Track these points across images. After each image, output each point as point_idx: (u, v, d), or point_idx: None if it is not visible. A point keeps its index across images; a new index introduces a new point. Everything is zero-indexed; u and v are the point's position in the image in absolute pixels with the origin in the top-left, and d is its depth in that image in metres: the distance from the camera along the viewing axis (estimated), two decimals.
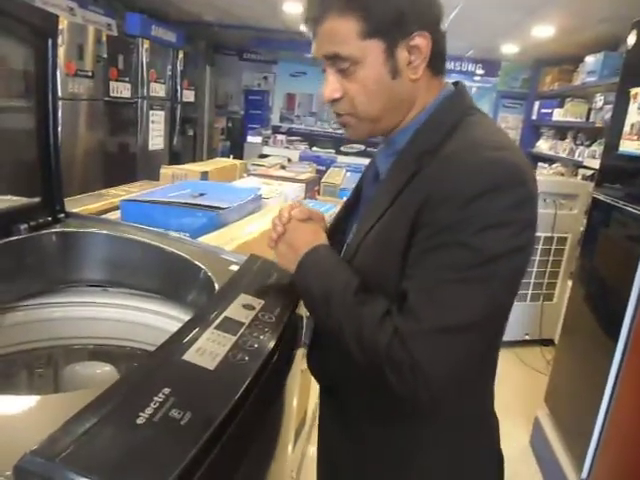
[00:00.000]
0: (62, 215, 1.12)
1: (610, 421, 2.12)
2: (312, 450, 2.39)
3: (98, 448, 0.45)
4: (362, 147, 7.90)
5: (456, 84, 0.84)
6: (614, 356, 2.12)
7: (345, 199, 0.87)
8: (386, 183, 0.81)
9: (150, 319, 1.04)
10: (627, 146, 2.21)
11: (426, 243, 0.69)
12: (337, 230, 0.91)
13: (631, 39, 2.31)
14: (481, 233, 0.67)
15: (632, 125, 2.18)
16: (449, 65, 6.89)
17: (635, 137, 2.14)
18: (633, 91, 2.19)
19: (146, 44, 4.46)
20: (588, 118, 4.25)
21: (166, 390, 0.54)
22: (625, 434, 2.03)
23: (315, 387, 2.51)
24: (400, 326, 0.67)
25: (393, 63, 0.74)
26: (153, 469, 0.44)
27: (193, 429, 0.50)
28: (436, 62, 0.78)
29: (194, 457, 0.47)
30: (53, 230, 1.07)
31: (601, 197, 2.38)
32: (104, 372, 1.04)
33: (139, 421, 0.49)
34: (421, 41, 0.74)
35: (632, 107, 2.19)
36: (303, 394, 2.19)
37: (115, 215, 1.59)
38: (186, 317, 0.81)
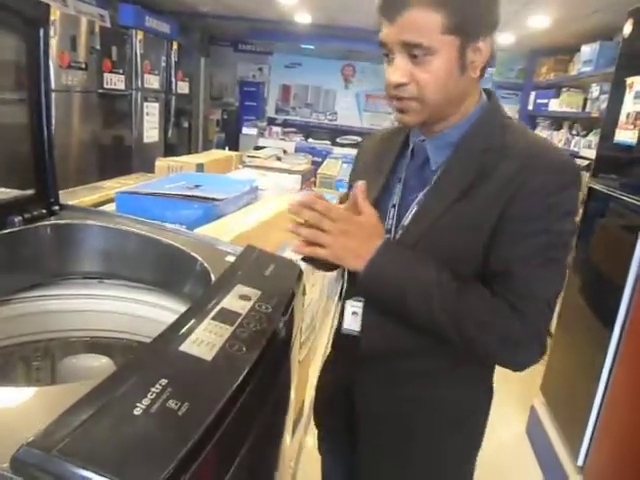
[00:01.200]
0: (57, 207, 1.12)
1: (605, 409, 2.14)
2: (310, 441, 2.40)
3: (95, 439, 0.45)
4: (358, 138, 7.89)
5: (486, 90, 0.95)
6: (609, 346, 2.13)
7: (361, 183, 0.87)
8: (450, 174, 0.89)
9: (146, 311, 1.04)
10: (623, 135, 2.21)
11: (525, 228, 0.82)
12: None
13: (627, 28, 2.30)
14: (563, 220, 0.83)
15: (628, 114, 2.18)
16: None
17: (631, 126, 2.14)
18: (629, 80, 2.19)
19: (140, 35, 4.42)
20: (584, 108, 4.25)
21: (163, 381, 0.53)
22: (620, 422, 2.05)
23: (312, 380, 2.50)
24: (517, 304, 0.80)
25: (462, 60, 0.83)
26: (151, 459, 0.44)
27: (191, 419, 0.49)
28: (485, 66, 0.87)
29: (192, 447, 0.47)
30: (48, 222, 1.06)
31: (597, 187, 2.39)
32: (101, 364, 1.04)
33: (136, 412, 0.48)
34: (484, 45, 0.84)
35: (628, 96, 2.19)
36: (300, 385, 2.20)
37: (111, 208, 1.58)
38: (182, 309, 0.81)
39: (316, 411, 1.17)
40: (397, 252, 0.86)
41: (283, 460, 1.09)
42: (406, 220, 0.92)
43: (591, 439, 2.21)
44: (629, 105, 2.18)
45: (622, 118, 2.23)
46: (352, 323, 0.96)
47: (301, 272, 0.99)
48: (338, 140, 7.69)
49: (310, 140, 7.41)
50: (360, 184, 0.86)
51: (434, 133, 0.91)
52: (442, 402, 0.96)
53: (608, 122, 2.42)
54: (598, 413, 2.18)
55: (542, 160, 0.83)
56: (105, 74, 3.97)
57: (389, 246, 0.85)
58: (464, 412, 0.98)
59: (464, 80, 0.85)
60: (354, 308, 0.97)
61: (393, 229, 0.93)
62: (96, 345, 1.09)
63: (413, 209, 0.91)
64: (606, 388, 2.15)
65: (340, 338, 1.01)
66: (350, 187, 1.10)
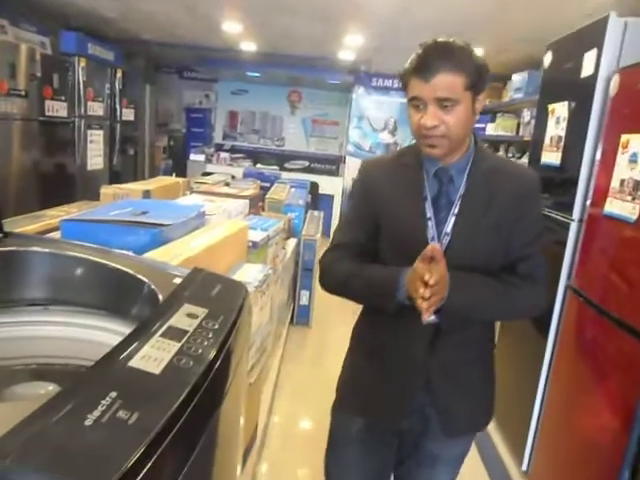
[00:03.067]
0: (0, 235, 1.11)
1: (544, 416, 2.25)
2: (264, 468, 2.39)
3: (49, 447, 0.47)
4: (306, 163, 8.01)
5: None
6: (544, 355, 2.26)
7: (437, 246, 1.14)
8: (472, 191, 1.22)
9: (94, 335, 1.04)
10: (548, 157, 2.39)
11: (529, 222, 1.24)
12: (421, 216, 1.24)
13: (546, 59, 2.50)
14: (541, 212, 1.35)
15: (551, 138, 2.35)
16: (388, 83, 7.15)
17: (554, 148, 2.32)
18: (550, 107, 2.37)
19: (82, 62, 4.39)
20: (518, 132, 4.50)
21: (113, 394, 0.56)
22: (558, 428, 2.16)
23: (265, 403, 2.49)
24: (537, 277, 1.25)
25: (473, 108, 1.15)
26: (103, 463, 0.47)
27: (141, 427, 0.52)
28: None
29: (143, 452, 0.49)
30: None
31: None
32: (48, 392, 1.03)
33: (87, 422, 0.51)
34: (482, 97, 1.17)
35: (550, 121, 2.37)
36: (252, 409, 2.20)
37: (55, 236, 1.57)
38: (130, 331, 0.83)
39: (359, 399, 1.36)
40: (461, 282, 1.15)
41: None
42: (447, 228, 1.21)
43: (533, 445, 2.32)
44: (552, 129, 2.36)
45: (547, 141, 2.40)
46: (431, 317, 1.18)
47: (246, 292, 1.02)
48: (286, 165, 7.79)
49: (258, 165, 7.47)
50: (436, 246, 1.11)
51: (450, 162, 1.21)
52: (485, 355, 1.37)
53: (535, 145, 2.60)
54: (538, 420, 2.29)
55: (525, 176, 1.27)
56: (47, 101, 3.92)
57: (456, 281, 1.14)
58: (492, 361, 1.38)
59: (472, 121, 1.18)
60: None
61: (436, 236, 1.21)
62: (43, 372, 1.07)
63: (451, 219, 1.21)
64: (543, 396, 2.27)
65: (408, 325, 1.23)
66: (360, 205, 1.34)
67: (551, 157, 2.35)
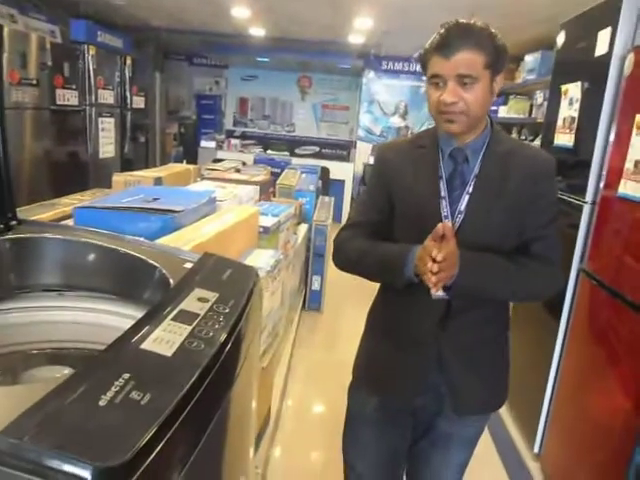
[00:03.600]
0: (15, 222, 1.13)
1: (556, 399, 2.25)
2: (277, 451, 2.42)
3: (64, 427, 0.48)
4: (317, 149, 7.99)
5: None
6: (557, 337, 2.25)
7: (447, 223, 1.16)
8: (486, 172, 1.23)
9: (107, 320, 1.06)
10: (561, 139, 2.35)
11: (545, 204, 1.25)
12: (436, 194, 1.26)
13: (560, 39, 2.46)
14: (556, 195, 1.39)
15: (564, 119, 2.32)
16: (399, 66, 7.08)
17: (567, 130, 2.28)
18: (563, 88, 2.33)
19: (92, 50, 4.39)
20: (530, 114, 4.45)
21: (126, 375, 0.57)
22: (570, 410, 2.16)
23: (278, 387, 2.51)
24: (552, 258, 1.27)
25: (491, 87, 1.18)
26: (116, 443, 0.48)
27: (153, 408, 0.53)
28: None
29: (155, 432, 0.50)
30: (5, 237, 1.07)
31: None
32: (63, 375, 1.05)
33: (101, 403, 0.52)
34: (500, 78, 1.19)
35: (563, 103, 2.33)
36: (264, 393, 2.22)
37: (68, 224, 1.58)
38: (142, 315, 0.84)
39: (374, 379, 1.40)
40: (472, 261, 1.18)
41: (247, 462, 1.12)
42: (461, 206, 1.23)
43: (545, 428, 2.32)
44: (565, 111, 2.32)
45: (559, 123, 2.37)
46: (440, 292, 1.22)
47: (257, 276, 1.03)
48: (297, 151, 7.77)
49: (269, 151, 7.46)
50: (447, 224, 1.14)
51: (466, 142, 1.24)
52: (499, 336, 1.38)
53: (548, 127, 2.56)
54: (550, 403, 2.29)
55: (542, 158, 1.27)
56: (57, 90, 3.93)
57: (467, 259, 1.16)
58: (506, 342, 1.40)
59: (491, 100, 1.20)
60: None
61: (449, 214, 1.23)
62: (57, 357, 1.09)
63: (465, 198, 1.23)
64: (556, 379, 2.27)
65: (420, 302, 1.27)
66: (375, 187, 1.37)
67: (564, 139, 2.32)
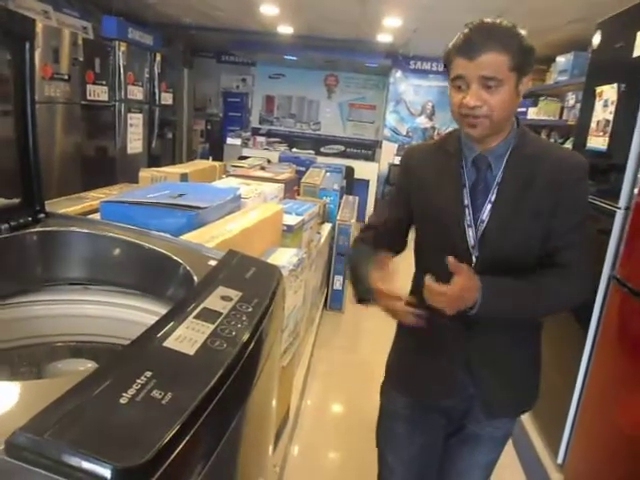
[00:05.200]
0: (42, 215, 1.14)
1: (582, 409, 2.19)
2: (295, 450, 2.41)
3: (84, 424, 0.47)
4: (342, 148, 7.96)
5: None
6: (585, 346, 2.19)
7: (455, 262, 1.09)
8: (510, 178, 1.18)
9: (131, 315, 1.06)
10: (594, 142, 2.29)
11: (579, 213, 1.19)
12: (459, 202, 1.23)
13: (596, 39, 2.39)
14: (586, 201, 1.26)
15: (598, 122, 2.25)
16: (427, 66, 7.01)
17: (601, 133, 2.22)
18: (598, 90, 2.27)
19: (123, 47, 4.45)
20: (561, 116, 4.35)
21: (148, 373, 0.57)
22: (596, 421, 2.10)
23: (297, 386, 2.50)
24: (579, 266, 1.20)
25: (517, 90, 1.12)
26: (136, 442, 0.47)
27: (174, 407, 0.53)
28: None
29: (175, 432, 0.50)
30: (34, 230, 1.08)
31: None
32: (86, 369, 1.06)
33: (122, 401, 0.51)
34: (527, 80, 1.13)
35: (597, 105, 2.27)
36: (284, 392, 2.22)
37: (95, 218, 1.60)
38: (166, 311, 0.84)
39: (403, 380, 1.40)
40: (492, 288, 1.12)
41: (266, 461, 1.11)
42: (483, 215, 1.19)
43: (569, 438, 2.26)
44: (599, 113, 2.26)
45: (593, 125, 2.30)
46: None
47: (281, 275, 1.02)
48: (322, 149, 7.76)
49: (294, 150, 7.46)
50: (453, 262, 1.08)
51: (489, 148, 1.19)
52: (529, 337, 1.35)
53: (580, 129, 2.49)
54: (575, 413, 2.24)
55: (572, 162, 1.19)
56: (88, 85, 3.99)
57: (486, 289, 1.10)
58: (538, 343, 1.37)
59: (516, 103, 1.15)
60: None
61: (473, 223, 1.20)
62: (81, 350, 1.10)
63: (487, 207, 1.19)
64: (582, 389, 2.21)
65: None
66: (396, 191, 1.38)
67: (597, 142, 2.26)
